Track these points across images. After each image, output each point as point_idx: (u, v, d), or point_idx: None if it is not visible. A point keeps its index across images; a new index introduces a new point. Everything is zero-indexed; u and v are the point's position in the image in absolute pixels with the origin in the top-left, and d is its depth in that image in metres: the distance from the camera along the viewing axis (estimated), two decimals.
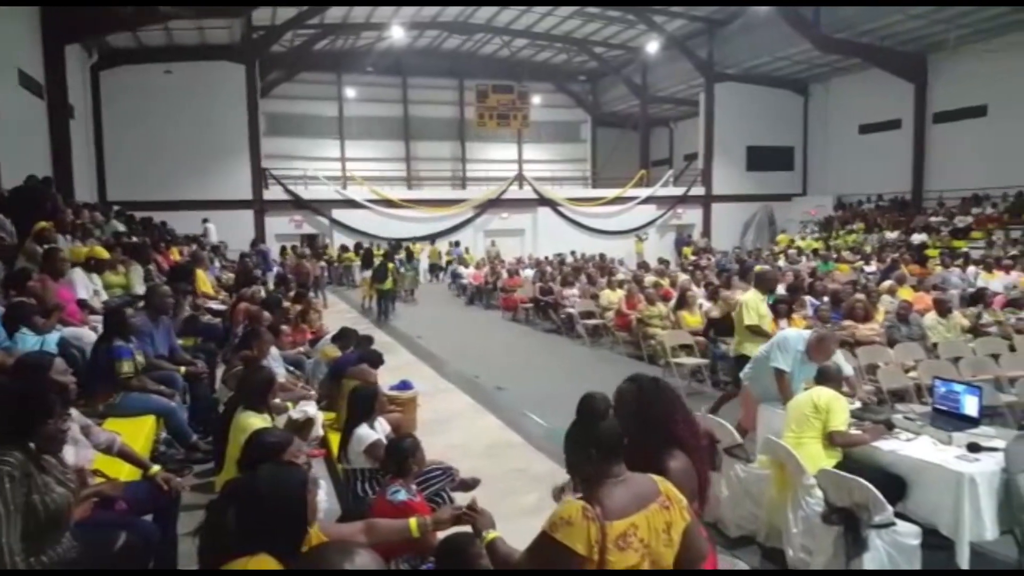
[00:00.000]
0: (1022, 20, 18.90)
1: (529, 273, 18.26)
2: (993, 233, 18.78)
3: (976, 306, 9.30)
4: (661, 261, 19.36)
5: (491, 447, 6.54)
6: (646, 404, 2.77)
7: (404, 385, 6.80)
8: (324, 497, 3.94)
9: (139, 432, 4.85)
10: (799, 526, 4.08)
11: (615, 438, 2.22)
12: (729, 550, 4.45)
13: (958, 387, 4.77)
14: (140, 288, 8.29)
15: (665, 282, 13.79)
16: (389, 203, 25.61)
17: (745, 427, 5.44)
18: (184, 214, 20.34)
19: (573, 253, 22.73)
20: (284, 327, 7.10)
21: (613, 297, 12.48)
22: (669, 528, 2.16)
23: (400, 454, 3.58)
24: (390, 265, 16.00)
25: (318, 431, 5.26)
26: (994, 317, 9.22)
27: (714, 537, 4.43)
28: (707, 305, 10.44)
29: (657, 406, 2.77)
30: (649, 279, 14.08)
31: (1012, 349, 7.85)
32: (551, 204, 27.43)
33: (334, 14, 24.39)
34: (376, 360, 6.08)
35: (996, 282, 12.40)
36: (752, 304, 6.78)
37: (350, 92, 30.55)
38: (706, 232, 28.06)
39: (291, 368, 6.89)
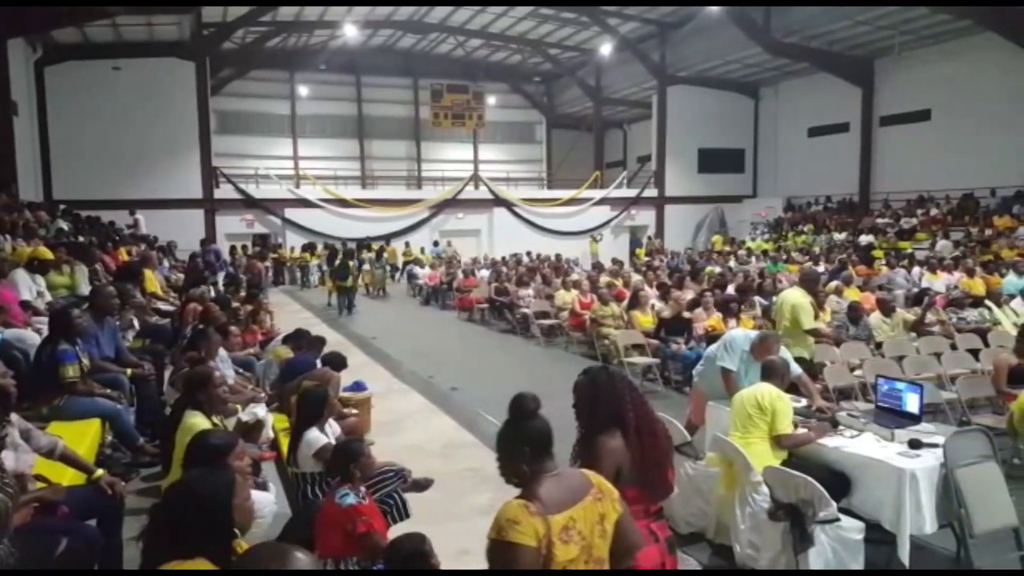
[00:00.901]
0: (962, 28, 19.60)
1: (485, 273, 18.26)
2: (937, 234, 19.44)
3: (919, 306, 9.61)
4: (615, 262, 19.56)
5: (445, 447, 6.52)
6: (598, 394, 2.89)
7: (358, 386, 6.74)
8: (273, 500, 3.89)
9: (84, 436, 4.74)
10: (747, 522, 4.15)
11: (546, 435, 2.29)
12: (679, 547, 4.52)
13: (900, 385, 4.89)
14: (85, 289, 8.07)
15: (619, 282, 13.92)
16: (343, 202, 25.38)
17: (695, 423, 5.53)
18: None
19: (529, 254, 22.81)
20: (233, 328, 6.96)
21: (568, 297, 12.54)
22: (603, 519, 2.20)
23: (343, 458, 3.54)
24: (350, 263, 17.09)
25: (268, 433, 5.18)
26: (937, 317, 9.54)
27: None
28: (659, 305, 10.59)
29: (609, 395, 2.88)
30: (603, 279, 14.21)
31: (953, 348, 8.10)
32: (507, 205, 27.50)
33: (287, 12, 24.07)
34: (339, 363, 6.00)
35: (939, 283, 12.81)
36: (805, 307, 6.73)
37: (303, 90, 30.26)
38: (659, 233, 28.43)
39: (240, 370, 6.76)
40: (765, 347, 5.23)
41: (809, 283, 7.24)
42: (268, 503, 3.78)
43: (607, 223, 28.44)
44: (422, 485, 4.06)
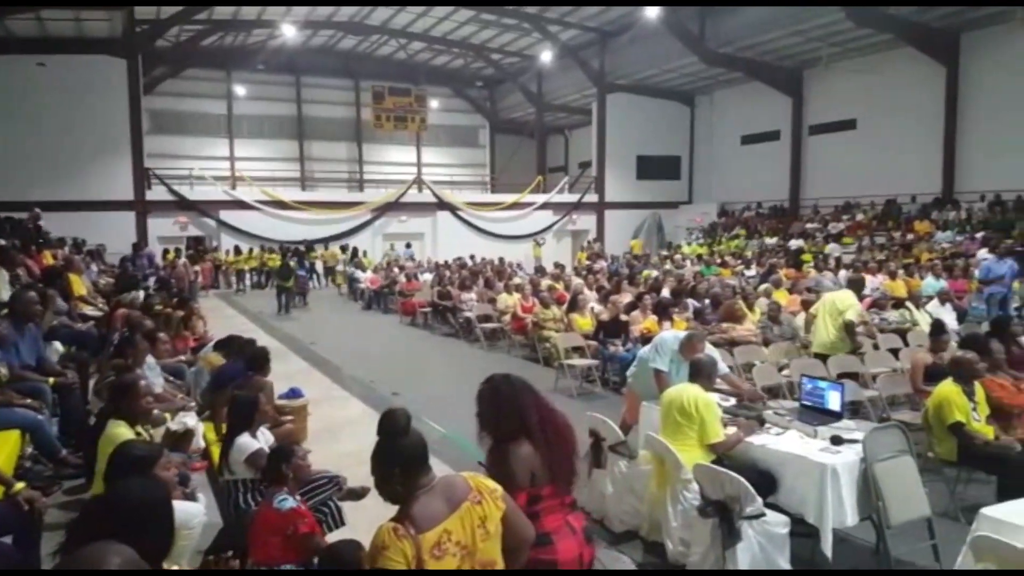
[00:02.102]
0: (884, 42, 20.46)
1: (428, 277, 18.20)
2: (863, 239, 20.23)
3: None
4: (557, 265, 19.72)
5: None
6: (502, 402, 2.90)
7: (294, 392, 6.65)
8: (202, 511, 3.81)
9: (2, 448, 4.55)
10: (678, 520, 4.26)
11: (418, 451, 2.27)
12: (613, 545, 4.61)
13: (822, 384, 5.09)
14: (5, 294, 7.72)
15: (559, 286, 14.07)
16: (281, 204, 24.90)
17: (629, 423, 5.65)
18: (61, 215, 18.89)
19: (472, 257, 22.82)
20: (162, 335, 6.76)
21: (510, 301, 12.63)
22: (484, 521, 2.21)
23: (275, 459, 3.50)
24: (292, 264, 18.31)
25: (199, 443, 5.06)
26: (860, 318, 9.93)
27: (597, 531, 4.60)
28: (598, 308, 10.75)
29: (512, 402, 2.89)
30: (544, 283, 14.34)
31: (876, 347, 8.45)
32: (450, 208, 27.43)
33: (224, 10, 23.55)
34: (260, 359, 5.81)
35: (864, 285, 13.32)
36: (856, 307, 7.63)
37: (240, 90, 29.64)
38: (600, 237, 28.80)
39: (171, 378, 6.59)
40: (692, 346, 5.43)
41: (857, 285, 8.38)
42: (197, 514, 3.71)
43: (549, 227, 28.65)
44: (358, 493, 4.02)
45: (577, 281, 14.65)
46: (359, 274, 20.12)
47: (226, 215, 24.16)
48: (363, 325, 15.94)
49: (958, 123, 20.00)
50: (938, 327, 7.23)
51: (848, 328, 7.47)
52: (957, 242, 17.63)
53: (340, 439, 6.88)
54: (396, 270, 19.26)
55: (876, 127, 22.14)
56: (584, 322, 10.20)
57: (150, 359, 5.90)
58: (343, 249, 23.21)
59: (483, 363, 11.22)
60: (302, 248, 23.33)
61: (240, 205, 24.34)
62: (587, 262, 22.53)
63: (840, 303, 7.61)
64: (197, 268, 20.54)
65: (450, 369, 10.85)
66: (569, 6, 23.61)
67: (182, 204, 23.72)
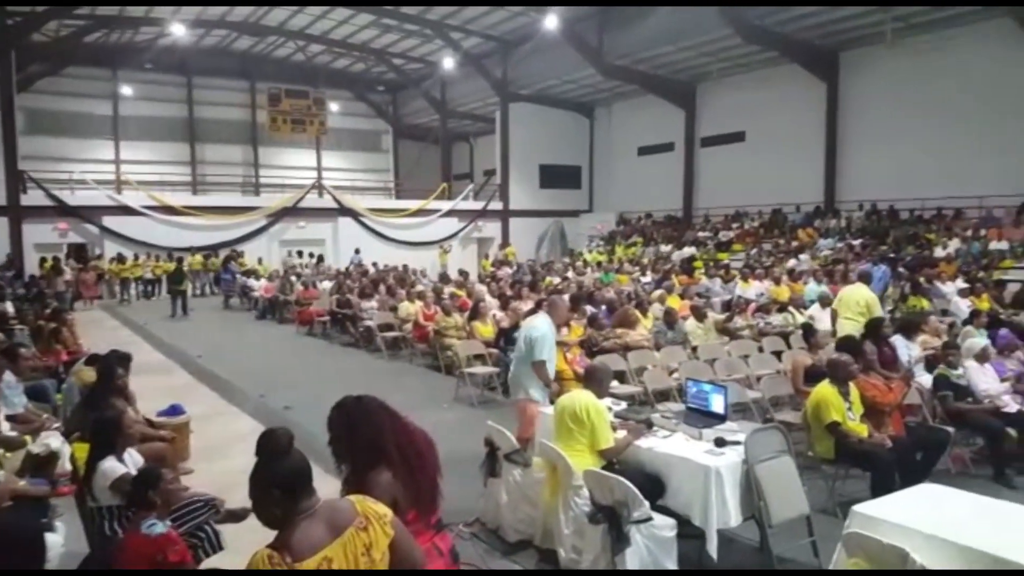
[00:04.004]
0: (771, 57, 21.52)
1: (327, 285, 17.72)
2: (752, 247, 21.20)
3: (729, 312, 10.43)
4: (461, 272, 19.69)
5: None
6: (354, 427, 2.80)
7: (174, 410, 6.31)
8: (60, 542, 3.54)
9: None
10: (570, 526, 4.27)
11: (300, 473, 2.15)
12: (508, 555, 4.59)
13: (707, 387, 5.24)
14: None
15: (462, 293, 14.02)
16: (170, 209, 23.75)
17: (524, 437, 5.53)
18: None
19: (375, 264, 22.47)
20: (23, 350, 6.25)
21: (411, 309, 12.45)
22: (369, 549, 2.12)
23: (141, 486, 3.29)
24: (185, 268, 19.15)
25: (65, 466, 4.70)
26: (746, 322, 10.38)
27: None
28: (500, 315, 10.77)
29: (364, 426, 2.79)
30: (448, 290, 14.26)
31: (760, 350, 8.87)
32: (352, 214, 26.92)
33: (109, 6, 22.26)
34: (121, 362, 5.42)
35: (751, 290, 13.96)
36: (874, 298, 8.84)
37: (127, 90, 28.21)
38: (505, 245, 28.98)
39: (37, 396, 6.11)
40: (557, 310, 6.02)
41: (865, 278, 9.64)
42: (54, 545, 3.43)
43: (455, 234, 28.61)
44: (239, 515, 3.78)
45: (480, 288, 14.63)
46: (252, 282, 19.43)
47: (110, 221, 22.85)
48: (256, 336, 15.32)
49: (838, 136, 21.29)
50: (808, 329, 7.63)
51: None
52: (837, 249, 18.73)
53: (226, 457, 6.58)
54: (293, 278, 18.69)
55: (763, 139, 23.26)
56: (486, 330, 10.20)
57: (8, 376, 5.44)
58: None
59: (384, 373, 11.03)
60: (233, 252, 23.04)
61: (125, 211, 23.11)
62: (491, 269, 22.60)
63: (859, 297, 8.69)
64: (68, 278, 19.27)
65: (349, 380, 10.52)
66: (458, 5, 23.41)
67: (62, 210, 22.29)
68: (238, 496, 4.84)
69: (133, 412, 4.33)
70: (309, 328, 15.20)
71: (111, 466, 3.76)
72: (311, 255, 23.73)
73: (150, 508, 3.27)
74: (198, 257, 23.21)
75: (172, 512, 3.50)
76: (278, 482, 2.08)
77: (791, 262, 18.12)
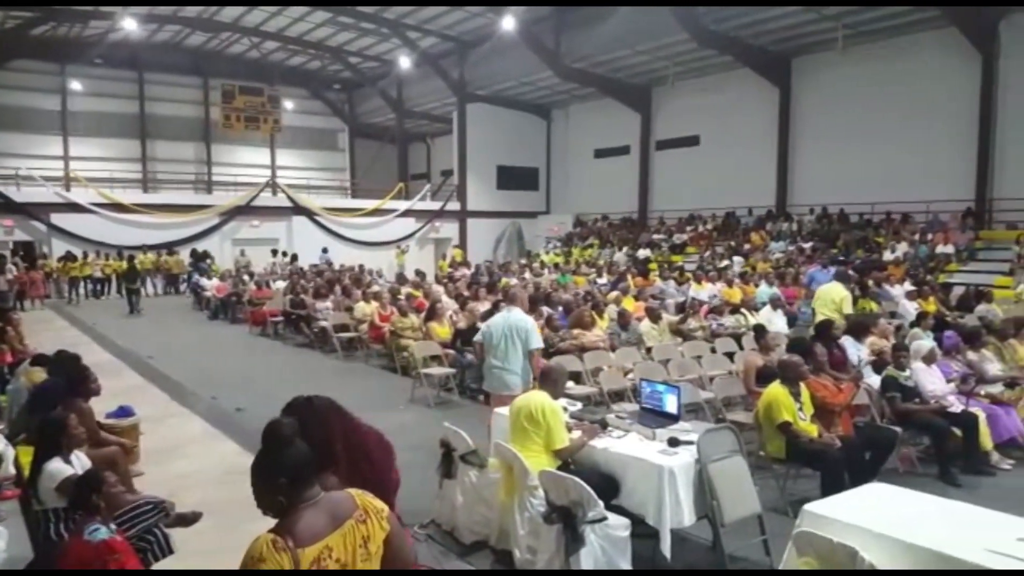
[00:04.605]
0: (726, 62, 21.88)
1: (280, 285, 17.45)
2: (706, 249, 21.54)
3: (683, 313, 10.60)
4: (418, 273, 19.59)
5: (227, 474, 6.12)
6: (304, 429, 2.69)
7: (123, 411, 6.17)
8: (3, 544, 3.43)
9: None
10: (525, 527, 4.28)
11: (305, 462, 2.20)
12: (463, 557, 4.59)
13: (660, 387, 5.30)
14: None
15: (419, 294, 13.96)
16: (120, 207, 23.14)
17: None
18: None
19: (330, 264, 22.20)
20: None
21: (367, 309, 12.35)
22: (367, 541, 2.19)
23: (84, 489, 3.21)
24: (137, 267, 19.51)
25: (8, 469, 4.56)
26: (699, 323, 10.56)
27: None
28: (457, 316, 10.75)
29: (313, 427, 2.73)
30: (404, 291, 14.17)
31: (713, 351, 9.02)
32: (307, 213, 26.56)
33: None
34: (78, 380, 5.26)
35: (704, 292, 14.18)
36: (848, 297, 9.42)
37: (76, 84, 27.55)
38: (462, 245, 28.93)
39: None
40: (519, 299, 6.39)
41: (846, 278, 10.13)
42: None
43: (412, 235, 28.44)
44: (188, 519, 3.73)
45: (437, 289, 14.59)
46: (204, 281, 19.06)
47: (58, 218, 22.23)
48: (208, 336, 15.03)
49: (790, 141, 21.78)
50: (759, 330, 7.79)
51: (848, 319, 8.96)
52: (789, 252, 19.15)
53: (177, 459, 6.48)
54: (246, 277, 18.38)
55: (717, 143, 23.67)
56: (442, 330, 10.17)
57: None
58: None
59: (339, 374, 10.94)
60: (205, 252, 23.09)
61: (74, 208, 22.50)
62: (449, 269, 22.55)
63: (835, 295, 9.25)
64: (10, 276, 18.63)
65: (303, 382, 10.37)
66: (414, 5, 23.31)
67: (7, 206, 21.61)
68: (188, 499, 4.78)
69: (76, 417, 4.19)
70: (262, 329, 14.98)
71: (57, 467, 3.66)
72: (284, 253, 23.41)
73: (93, 512, 3.20)
74: (150, 256, 22.70)
75: (120, 515, 3.42)
76: (285, 471, 2.13)
77: (725, 263, 18.53)
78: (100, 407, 6.34)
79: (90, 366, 5.75)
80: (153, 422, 7.20)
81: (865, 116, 19.60)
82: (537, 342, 6.15)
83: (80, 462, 3.89)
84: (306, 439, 2.60)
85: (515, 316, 6.29)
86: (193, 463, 6.44)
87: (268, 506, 2.16)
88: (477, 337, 6.70)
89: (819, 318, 8.91)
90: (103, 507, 3.20)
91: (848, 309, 9.26)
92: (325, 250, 24.75)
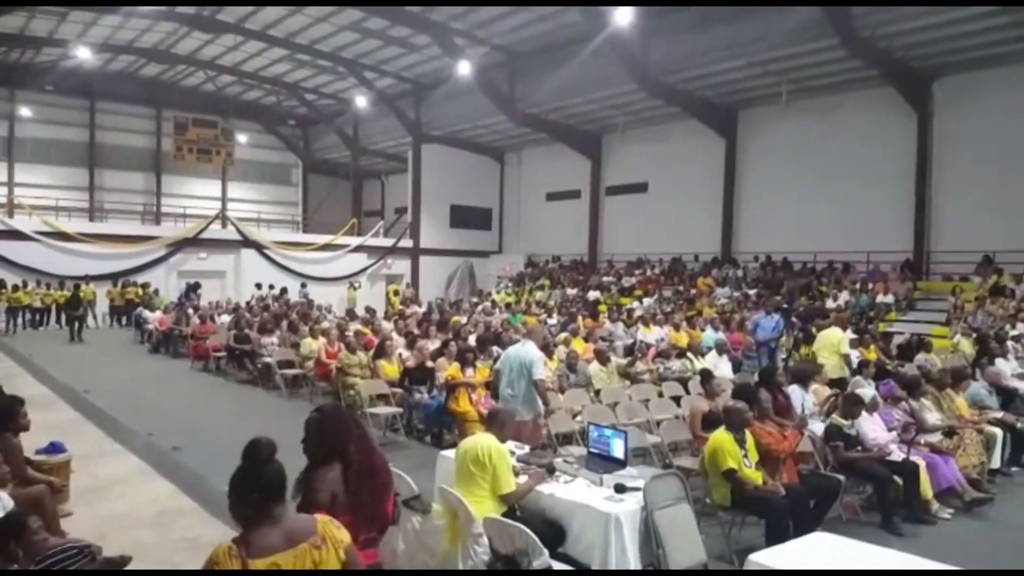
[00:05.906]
0: (674, 112, 22.49)
1: (225, 319, 17.05)
2: (653, 293, 21.87)
3: (630, 356, 10.70)
4: (368, 310, 19.38)
5: (159, 515, 5.90)
6: (327, 430, 3.19)
7: (54, 447, 5.93)
8: None
9: None
10: None
11: (277, 481, 2.40)
12: None
13: (608, 431, 5.32)
14: None
15: (367, 331, 13.79)
16: (64, 236, 22.50)
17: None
18: None
19: (277, 298, 21.81)
20: None
21: (314, 345, 12.13)
22: (317, 566, 2.33)
23: (1, 535, 3.06)
24: (81, 295, 19.72)
25: None
26: (647, 366, 10.66)
27: None
28: (406, 354, 10.65)
29: (334, 430, 3.19)
30: (353, 327, 13.98)
31: (660, 395, 9.08)
32: (256, 246, 26.16)
33: (9, 23, 21.17)
34: (3, 407, 5.03)
35: (651, 335, 14.33)
36: (845, 340, 10.05)
37: (25, 111, 27.08)
38: (414, 283, 28.83)
39: None
40: (535, 334, 7.12)
41: (844, 322, 11.01)
42: None
43: (364, 270, 28.21)
44: (116, 563, 3.58)
45: (386, 326, 14.45)
46: (147, 314, 18.53)
47: None
48: (147, 371, 14.53)
49: (735, 189, 22.44)
50: (706, 375, 7.89)
51: (846, 359, 9.72)
52: (734, 297, 19.56)
53: (108, 499, 6.22)
54: (190, 310, 17.93)
55: (665, 190, 24.27)
56: (391, 369, 10.05)
57: None
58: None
59: (281, 413, 10.61)
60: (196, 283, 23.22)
61: (16, 235, 21.78)
62: (400, 307, 22.38)
63: (834, 339, 9.83)
64: None
65: (244, 419, 10.13)
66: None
67: None
68: (118, 542, 4.58)
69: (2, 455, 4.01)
70: (204, 363, 14.58)
71: None
72: (271, 287, 22.98)
73: (10, 560, 3.04)
74: (91, 286, 21.98)
75: (42, 560, 3.26)
76: (260, 486, 2.33)
77: (634, 304, 19.14)
78: (30, 442, 6.07)
79: (23, 399, 5.53)
80: (85, 459, 6.94)
81: (808, 167, 20.34)
82: (539, 373, 6.75)
83: (2, 503, 3.70)
84: (324, 436, 3.19)
85: (525, 349, 6.95)
86: (125, 503, 6.18)
87: (238, 516, 2.36)
88: (497, 366, 7.56)
89: (822, 362, 9.34)
90: (20, 556, 3.04)
91: (846, 349, 9.77)
92: (304, 284, 24.49)
